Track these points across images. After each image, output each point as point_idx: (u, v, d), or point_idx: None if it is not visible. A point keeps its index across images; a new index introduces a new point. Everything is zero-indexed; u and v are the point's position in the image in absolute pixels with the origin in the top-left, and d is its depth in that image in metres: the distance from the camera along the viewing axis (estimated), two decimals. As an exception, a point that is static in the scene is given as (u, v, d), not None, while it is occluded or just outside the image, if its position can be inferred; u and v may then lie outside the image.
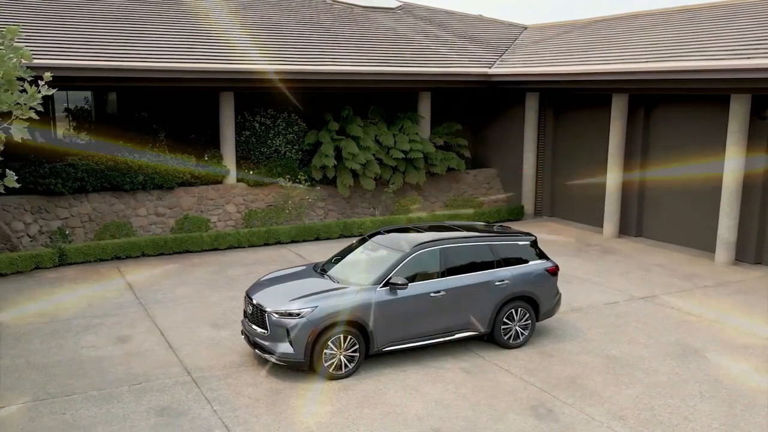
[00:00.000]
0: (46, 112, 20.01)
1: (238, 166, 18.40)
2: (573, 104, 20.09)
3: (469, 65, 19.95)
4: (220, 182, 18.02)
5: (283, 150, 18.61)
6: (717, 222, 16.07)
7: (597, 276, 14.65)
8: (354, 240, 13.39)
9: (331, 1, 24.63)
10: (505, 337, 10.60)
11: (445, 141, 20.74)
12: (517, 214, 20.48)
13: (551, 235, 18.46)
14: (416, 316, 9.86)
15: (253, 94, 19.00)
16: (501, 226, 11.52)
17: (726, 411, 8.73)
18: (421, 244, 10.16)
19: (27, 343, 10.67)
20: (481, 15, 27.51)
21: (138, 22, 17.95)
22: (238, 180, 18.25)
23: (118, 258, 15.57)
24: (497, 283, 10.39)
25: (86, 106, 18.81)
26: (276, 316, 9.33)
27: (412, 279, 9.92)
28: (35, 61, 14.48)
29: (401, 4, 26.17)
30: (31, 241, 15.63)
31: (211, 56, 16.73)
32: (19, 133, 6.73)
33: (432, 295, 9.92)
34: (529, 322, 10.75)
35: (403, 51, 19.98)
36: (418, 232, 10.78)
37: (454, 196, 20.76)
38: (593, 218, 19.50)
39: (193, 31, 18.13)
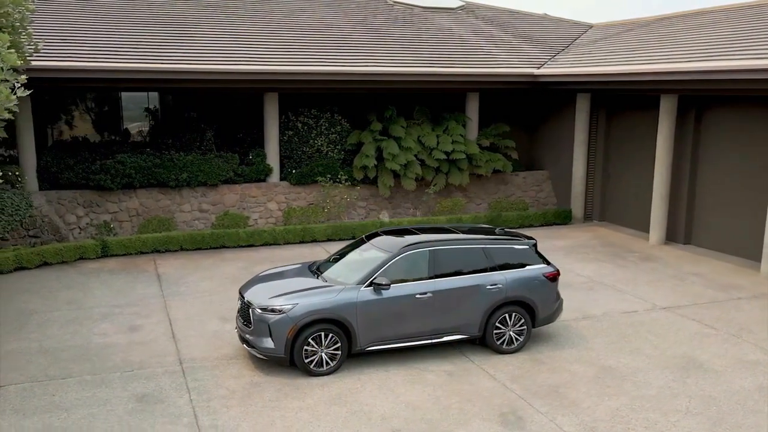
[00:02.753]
0: (116, 110, 21.34)
1: (282, 165, 18.89)
2: (625, 106, 19.43)
3: (516, 65, 19.65)
4: (264, 180, 18.56)
5: (325, 150, 18.95)
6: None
7: (624, 284, 14.15)
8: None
9: (392, 2, 24.81)
10: (498, 342, 10.45)
11: (491, 142, 20.52)
12: (564, 218, 20.00)
13: (592, 241, 17.94)
14: (401, 317, 9.90)
15: (297, 94, 19.45)
16: (502, 229, 11.35)
17: (708, 429, 8.32)
18: (409, 245, 10.19)
19: (47, 328, 11.42)
20: (546, 14, 27.00)
21: (188, 26, 18.72)
22: (281, 178, 18.75)
23: (158, 251, 16.32)
24: (489, 287, 10.27)
25: (156, 107, 19.95)
26: (259, 311, 9.61)
27: (401, 280, 9.97)
28: (91, 64, 15.45)
29: (464, 3, 26.03)
30: (80, 233, 16.64)
31: (256, 58, 17.24)
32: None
33: (418, 296, 9.93)
34: (525, 328, 10.56)
35: (451, 51, 19.90)
36: (415, 233, 10.78)
37: (500, 198, 20.50)
38: (643, 224, 18.80)
39: (243, 33, 18.73)
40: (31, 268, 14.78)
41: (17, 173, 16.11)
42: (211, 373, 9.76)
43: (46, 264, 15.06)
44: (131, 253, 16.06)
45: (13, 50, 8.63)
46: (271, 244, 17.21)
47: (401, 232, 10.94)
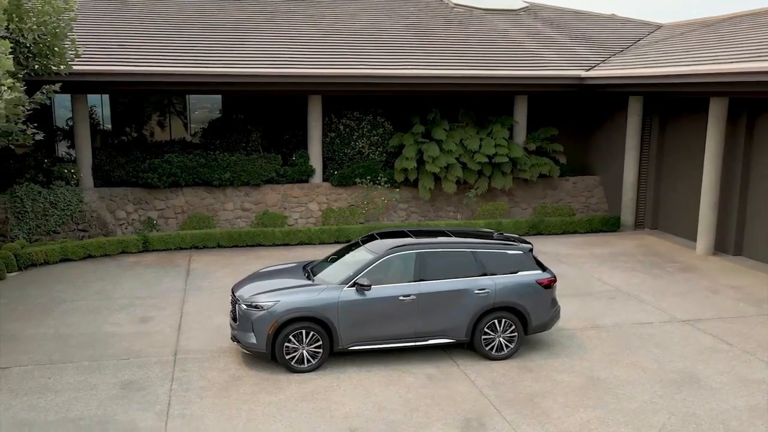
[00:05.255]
0: (184, 112, 22.42)
1: (324, 166, 19.24)
2: (679, 110, 18.59)
3: (563, 68, 19.18)
4: (306, 181, 18.96)
5: (367, 152, 19.15)
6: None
7: (650, 294, 13.59)
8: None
9: (453, 5, 24.74)
10: (487, 348, 10.32)
11: (538, 146, 20.10)
12: (612, 225, 19.33)
13: (635, 249, 17.27)
14: (384, 319, 9.95)
15: (341, 96, 19.74)
16: (501, 233, 11.19)
17: (678, 448, 7.95)
18: (395, 247, 10.23)
19: (69, 316, 12.16)
20: (613, 14, 26.19)
21: (236, 30, 19.37)
22: (324, 179, 19.10)
23: (196, 247, 17.00)
24: (476, 292, 10.15)
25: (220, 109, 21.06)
26: (244, 307, 9.91)
27: (386, 282, 10.03)
28: (146, 68, 16.28)
29: (527, 5, 25.60)
30: (127, 228, 17.55)
31: (299, 61, 17.64)
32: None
33: (401, 298, 9.95)
34: (516, 334, 10.37)
35: (499, 54, 19.67)
36: (408, 236, 10.79)
37: (546, 202, 20.06)
38: (694, 233, 17.92)
39: (293, 37, 19.21)
40: (75, 260, 15.73)
41: (72, 171, 17.17)
42: (200, 365, 10.13)
43: (90, 257, 15.98)
44: (170, 249, 16.80)
45: (11, 56, 9.34)
46: (306, 244, 17.56)
47: (396, 235, 10.97)
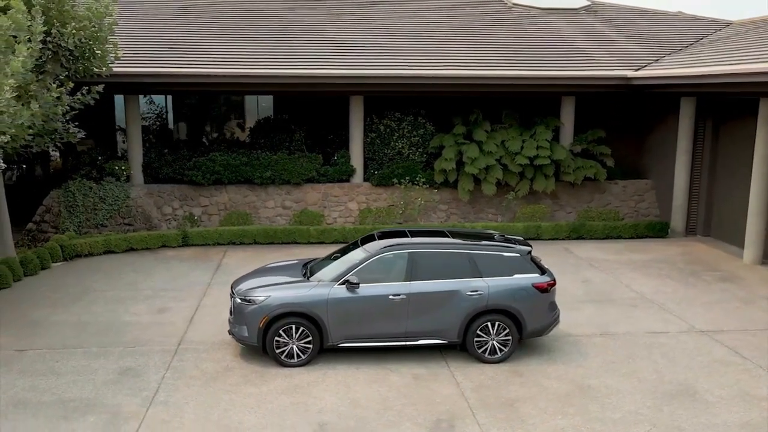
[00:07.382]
0: (241, 116, 23.27)
1: (365, 166, 19.42)
2: (734, 112, 17.69)
3: (609, 68, 18.61)
4: (347, 180, 19.19)
5: (406, 152, 19.19)
6: None
7: (676, 303, 13.03)
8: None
9: (511, 4, 24.47)
10: (480, 351, 10.21)
11: (584, 148, 19.58)
12: (659, 230, 18.58)
13: (677, 257, 16.56)
14: (373, 317, 10.01)
15: (382, 96, 19.86)
16: (502, 235, 11.03)
17: (648, 461, 7.66)
18: (387, 247, 10.29)
19: (94, 304, 12.82)
20: (680, 12, 25.19)
21: (283, 32, 19.85)
22: (365, 179, 19.28)
23: (233, 243, 17.51)
24: (468, 293, 10.06)
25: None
26: (239, 301, 10.21)
27: (378, 281, 10.10)
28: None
29: (589, 3, 24.99)
30: (173, 223, 18.28)
31: (340, 62, 17.91)
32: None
33: (391, 297, 9.99)
34: (510, 338, 10.21)
35: (546, 54, 19.30)
36: (405, 236, 10.80)
37: (592, 206, 19.51)
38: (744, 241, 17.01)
39: (337, 38, 19.53)
40: (118, 253, 16.52)
41: (123, 168, 18.05)
42: (197, 356, 10.49)
43: (132, 249, 16.74)
44: (209, 244, 17.37)
45: (21, 58, 9.97)
46: (340, 242, 17.73)
47: (396, 235, 11.00)
